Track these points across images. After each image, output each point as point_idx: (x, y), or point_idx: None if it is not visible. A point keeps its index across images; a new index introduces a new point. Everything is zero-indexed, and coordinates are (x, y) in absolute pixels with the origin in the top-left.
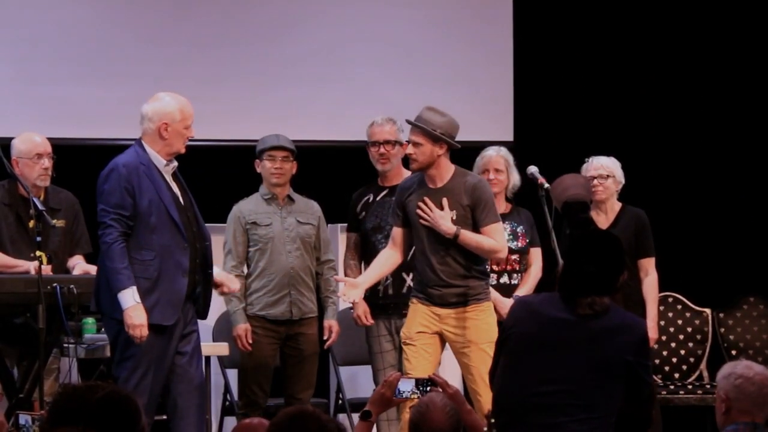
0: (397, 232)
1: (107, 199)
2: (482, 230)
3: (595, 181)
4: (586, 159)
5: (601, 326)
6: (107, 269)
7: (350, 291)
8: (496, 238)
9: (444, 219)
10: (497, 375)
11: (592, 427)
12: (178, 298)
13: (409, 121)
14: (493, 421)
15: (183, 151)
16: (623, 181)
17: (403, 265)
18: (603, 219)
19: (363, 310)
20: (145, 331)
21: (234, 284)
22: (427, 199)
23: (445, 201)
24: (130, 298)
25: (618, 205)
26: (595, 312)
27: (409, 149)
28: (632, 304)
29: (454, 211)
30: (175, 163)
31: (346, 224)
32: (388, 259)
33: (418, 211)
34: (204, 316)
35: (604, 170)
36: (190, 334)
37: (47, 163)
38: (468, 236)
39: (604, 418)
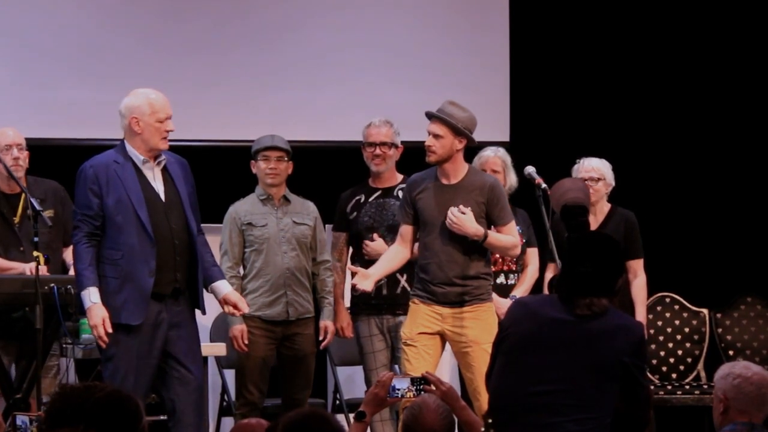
0: (406, 229)
1: (76, 200)
2: (499, 229)
3: (586, 183)
4: (578, 160)
5: (598, 327)
6: (74, 270)
7: (362, 281)
8: (513, 235)
9: (471, 222)
10: (494, 374)
11: (588, 428)
12: (143, 298)
13: (431, 113)
14: (490, 421)
15: (162, 147)
16: (613, 183)
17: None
18: (592, 220)
19: (346, 323)
20: (101, 331)
21: (245, 307)
22: (453, 208)
23: (460, 197)
24: (87, 299)
25: (607, 207)
26: (593, 313)
27: (429, 141)
28: (620, 306)
29: (469, 207)
30: (161, 159)
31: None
32: (396, 254)
33: (448, 221)
34: (201, 308)
35: (596, 173)
36: (184, 336)
37: (17, 153)
38: (494, 237)
39: (600, 419)
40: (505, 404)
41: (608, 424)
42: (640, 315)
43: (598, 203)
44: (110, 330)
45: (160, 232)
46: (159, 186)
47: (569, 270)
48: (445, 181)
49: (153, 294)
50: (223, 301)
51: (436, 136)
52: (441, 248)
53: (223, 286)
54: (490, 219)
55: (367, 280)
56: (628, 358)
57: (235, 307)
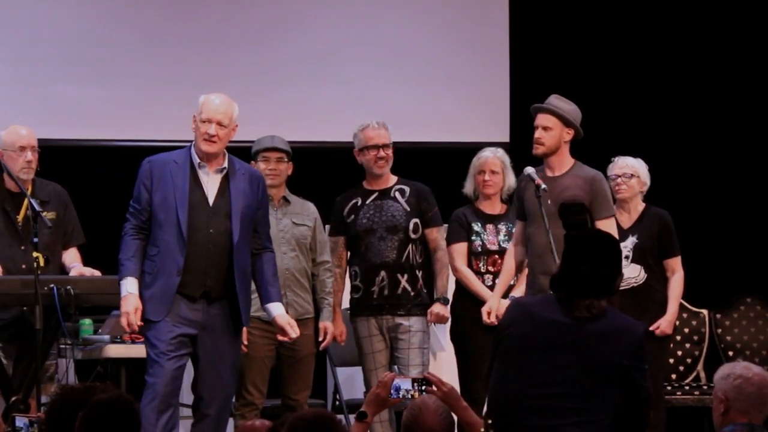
0: (519, 226)
1: (133, 192)
2: (598, 222)
3: (619, 180)
4: (613, 158)
5: (596, 330)
6: (118, 260)
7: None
8: (612, 231)
9: None
10: (492, 376)
11: (587, 431)
12: (168, 295)
13: (539, 106)
14: (490, 422)
15: (203, 148)
16: (648, 183)
17: (398, 267)
18: (626, 218)
19: (339, 331)
20: (132, 318)
21: (293, 332)
22: None
23: (564, 189)
24: (123, 288)
25: (642, 206)
26: (592, 315)
27: (538, 133)
28: (654, 304)
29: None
30: (223, 166)
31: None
32: (518, 257)
33: None
34: (243, 320)
35: (629, 169)
36: (217, 342)
37: (30, 156)
38: None
39: (599, 422)
40: (504, 407)
41: (608, 426)
42: (672, 308)
43: (632, 200)
44: (140, 322)
45: (197, 234)
46: (211, 191)
47: (569, 270)
48: (549, 174)
49: (183, 294)
50: (273, 324)
51: (545, 128)
52: (541, 239)
53: (274, 309)
54: (591, 212)
55: (494, 311)
56: (627, 361)
57: (283, 331)
